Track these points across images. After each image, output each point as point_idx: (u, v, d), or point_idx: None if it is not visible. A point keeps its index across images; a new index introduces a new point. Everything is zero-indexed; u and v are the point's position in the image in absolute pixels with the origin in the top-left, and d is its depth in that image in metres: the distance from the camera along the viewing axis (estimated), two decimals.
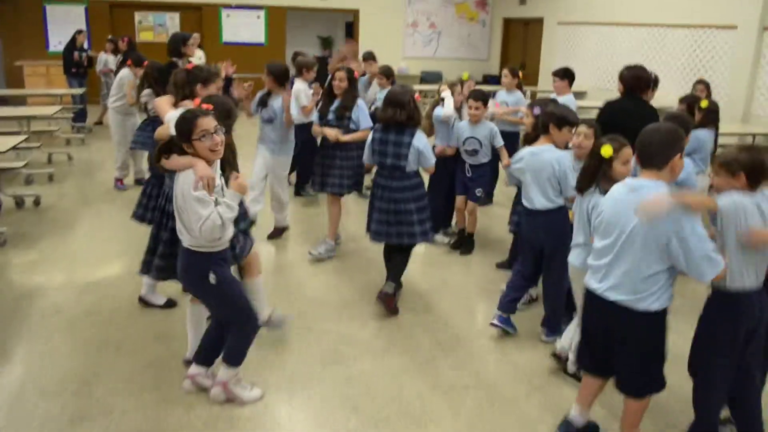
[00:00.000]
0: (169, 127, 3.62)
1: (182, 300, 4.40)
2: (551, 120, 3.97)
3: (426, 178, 4.87)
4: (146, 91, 6.27)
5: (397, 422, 3.35)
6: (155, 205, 4.11)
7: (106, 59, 10.89)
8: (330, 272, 5.33)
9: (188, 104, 3.81)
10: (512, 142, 6.33)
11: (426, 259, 5.70)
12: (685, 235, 2.63)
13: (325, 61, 11.34)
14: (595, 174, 3.37)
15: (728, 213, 2.77)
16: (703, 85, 6.89)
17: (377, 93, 7.27)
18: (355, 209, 6.85)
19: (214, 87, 4.21)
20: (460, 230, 5.97)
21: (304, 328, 4.29)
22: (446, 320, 4.55)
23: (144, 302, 4.54)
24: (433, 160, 4.57)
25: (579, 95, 13.21)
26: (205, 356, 3.48)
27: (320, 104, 5.66)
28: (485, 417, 3.43)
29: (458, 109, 5.77)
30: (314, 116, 5.69)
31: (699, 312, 2.99)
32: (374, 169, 4.82)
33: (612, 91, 5.46)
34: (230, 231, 3.21)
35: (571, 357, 3.75)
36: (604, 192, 3.16)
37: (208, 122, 3.02)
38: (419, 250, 5.47)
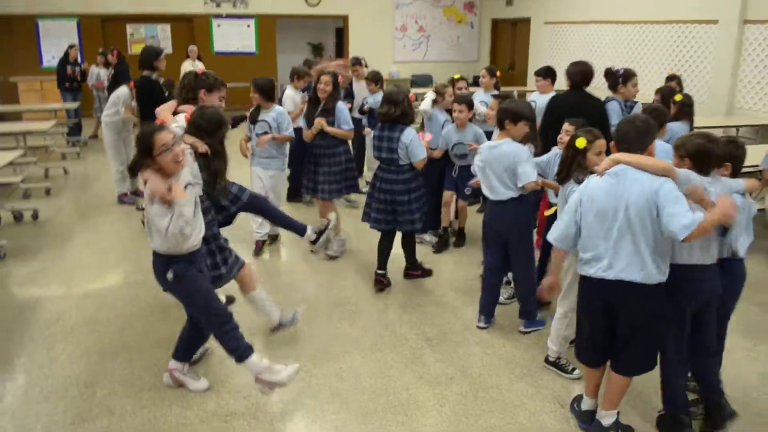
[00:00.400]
0: None
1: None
2: (507, 116, 4.14)
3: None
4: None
5: (384, 414, 3.52)
6: None
7: (98, 73, 11.06)
8: (322, 274, 5.50)
9: (188, 109, 3.94)
10: None
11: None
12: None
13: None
14: (572, 164, 3.59)
15: (679, 183, 2.98)
16: (676, 80, 7.07)
17: (366, 97, 7.43)
18: (346, 212, 7.00)
19: (217, 95, 4.29)
20: (444, 228, 6.13)
21: (295, 328, 4.45)
22: (433, 316, 4.71)
23: None
24: (421, 155, 4.86)
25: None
26: (182, 352, 3.68)
27: (306, 109, 5.78)
28: (469, 406, 3.60)
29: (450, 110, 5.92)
30: (302, 122, 5.84)
31: None
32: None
33: (598, 88, 5.66)
34: (197, 236, 3.34)
35: (552, 346, 3.92)
36: (579, 181, 3.36)
37: (165, 136, 3.15)
38: None
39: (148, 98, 6.39)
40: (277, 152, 5.66)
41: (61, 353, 4.15)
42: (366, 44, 15.43)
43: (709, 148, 3.10)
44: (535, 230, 4.68)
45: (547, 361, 3.98)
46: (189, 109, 3.95)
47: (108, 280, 5.37)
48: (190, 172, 3.37)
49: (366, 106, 7.23)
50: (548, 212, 4.45)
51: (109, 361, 4.04)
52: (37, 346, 4.25)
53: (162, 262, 3.32)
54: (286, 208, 6.99)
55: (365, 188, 7.35)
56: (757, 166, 6.35)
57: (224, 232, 4.01)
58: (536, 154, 4.50)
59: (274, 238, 6.19)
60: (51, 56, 13.01)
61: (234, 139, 4.81)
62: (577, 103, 5.22)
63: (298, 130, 5.94)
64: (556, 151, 4.30)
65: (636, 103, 6.08)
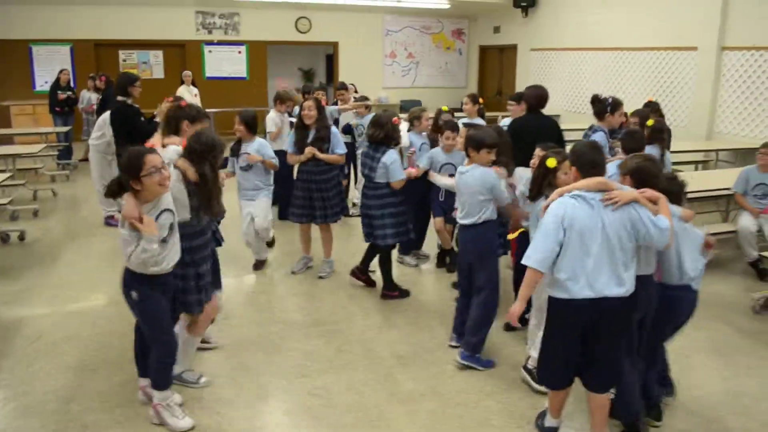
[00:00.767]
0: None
1: None
2: (469, 144, 4.28)
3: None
4: None
5: (355, 429, 3.61)
6: None
7: (89, 97, 11.24)
8: (301, 295, 5.60)
9: (175, 140, 4.03)
10: None
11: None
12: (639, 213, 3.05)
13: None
14: (542, 183, 3.75)
15: None
16: (650, 108, 7.30)
17: (353, 120, 7.65)
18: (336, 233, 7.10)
19: (199, 126, 4.29)
20: (443, 250, 6.28)
21: (272, 346, 4.54)
22: (408, 336, 4.82)
23: None
24: (398, 177, 5.14)
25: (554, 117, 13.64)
26: (143, 368, 3.75)
27: (295, 136, 5.77)
28: (437, 422, 3.69)
29: (434, 137, 6.09)
30: (286, 145, 5.95)
31: None
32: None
33: (583, 113, 5.81)
34: (169, 262, 3.41)
35: (534, 354, 3.94)
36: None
37: (156, 158, 3.25)
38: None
39: (123, 123, 6.55)
40: (263, 183, 5.80)
41: (40, 369, 4.23)
42: (356, 70, 15.69)
43: (647, 166, 3.33)
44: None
45: (525, 368, 4.08)
46: (175, 140, 4.05)
47: (91, 299, 5.46)
48: (170, 197, 3.44)
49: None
50: (512, 235, 4.58)
51: (88, 378, 4.12)
52: (18, 362, 4.33)
53: (130, 279, 3.40)
54: (279, 227, 7.16)
55: (353, 210, 7.53)
56: (729, 188, 6.54)
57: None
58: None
59: (262, 263, 6.26)
60: (44, 81, 13.18)
61: None
62: (535, 125, 5.54)
63: (280, 153, 6.08)
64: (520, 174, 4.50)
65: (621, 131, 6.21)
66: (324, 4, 15.10)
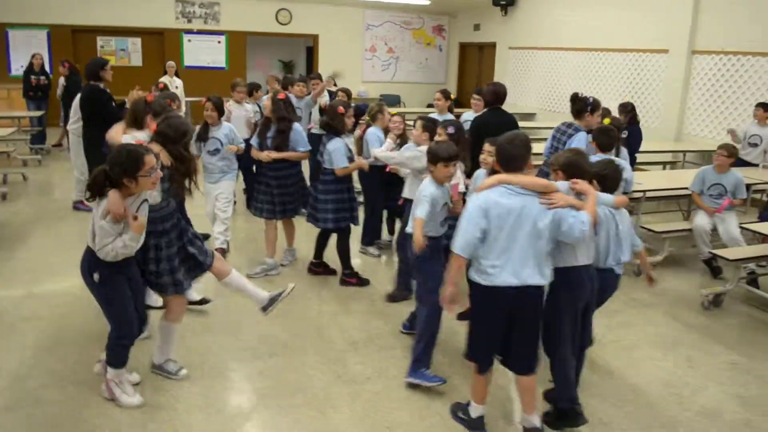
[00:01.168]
0: None
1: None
2: (428, 159, 4.03)
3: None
4: None
5: (299, 409, 3.72)
6: None
7: (64, 83, 11.21)
8: (260, 281, 5.64)
9: (137, 133, 4.12)
10: None
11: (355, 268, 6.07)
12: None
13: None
14: None
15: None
16: (627, 108, 7.60)
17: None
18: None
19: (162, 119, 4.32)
20: None
21: (227, 329, 4.64)
22: (363, 323, 4.94)
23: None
24: (339, 164, 5.33)
25: (528, 116, 13.84)
26: None
27: (258, 129, 5.81)
28: (380, 404, 3.81)
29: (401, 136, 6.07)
30: (254, 140, 6.00)
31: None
32: None
33: (559, 112, 5.90)
34: (123, 255, 3.45)
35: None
36: None
37: (152, 159, 3.35)
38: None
39: (93, 107, 6.59)
40: (228, 167, 5.94)
41: None
42: (336, 63, 15.66)
43: (576, 160, 3.48)
44: None
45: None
46: (140, 134, 4.13)
47: (53, 282, 5.52)
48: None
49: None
50: None
51: (43, 356, 4.20)
52: None
53: (92, 261, 3.46)
54: (245, 217, 7.23)
55: None
56: (686, 188, 6.71)
57: None
58: (467, 174, 4.76)
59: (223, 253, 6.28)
60: (20, 65, 13.09)
61: None
62: (495, 121, 5.73)
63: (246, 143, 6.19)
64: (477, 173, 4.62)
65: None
66: None
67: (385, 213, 6.65)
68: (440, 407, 3.79)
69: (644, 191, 6.73)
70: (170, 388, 3.85)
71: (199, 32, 15.14)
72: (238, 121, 6.98)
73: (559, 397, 3.61)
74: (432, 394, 3.92)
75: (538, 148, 6.10)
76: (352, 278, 5.65)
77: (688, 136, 10.65)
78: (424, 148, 4.67)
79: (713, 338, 5.00)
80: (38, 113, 11.02)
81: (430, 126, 5.01)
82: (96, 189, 3.32)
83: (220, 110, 5.85)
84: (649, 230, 6.63)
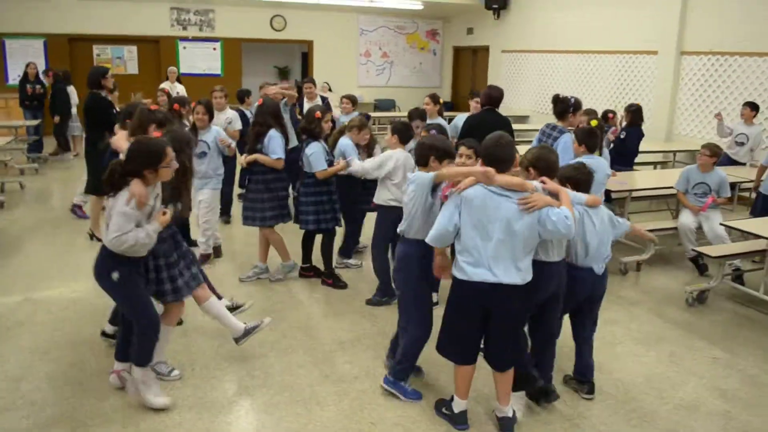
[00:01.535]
0: None
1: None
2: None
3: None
4: None
5: (285, 407, 3.83)
6: None
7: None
8: (252, 284, 5.80)
9: None
10: None
11: (339, 270, 6.15)
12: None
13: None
14: None
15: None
16: (633, 108, 7.77)
17: (341, 117, 7.72)
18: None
19: (165, 131, 4.36)
20: None
21: (218, 331, 4.73)
22: (351, 324, 5.04)
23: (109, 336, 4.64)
24: (317, 167, 5.44)
25: (522, 119, 13.95)
26: (122, 352, 3.91)
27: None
28: (366, 401, 3.91)
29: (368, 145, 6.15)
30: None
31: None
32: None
33: (552, 114, 6.01)
34: (142, 252, 3.57)
35: None
36: None
37: (171, 151, 3.50)
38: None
39: (95, 114, 6.71)
40: (213, 172, 6.02)
41: None
42: (330, 69, 15.91)
43: (544, 155, 3.61)
44: None
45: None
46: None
47: (48, 287, 5.62)
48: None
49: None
50: None
51: (39, 359, 4.31)
52: None
53: (108, 261, 3.52)
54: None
55: None
56: (672, 187, 6.82)
57: None
58: None
59: (206, 258, 6.32)
60: (17, 74, 13.16)
61: None
62: (488, 121, 5.86)
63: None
64: None
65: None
66: (299, 2, 15.27)
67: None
68: (424, 404, 3.89)
69: (630, 191, 6.85)
70: (162, 388, 3.94)
71: (195, 39, 15.27)
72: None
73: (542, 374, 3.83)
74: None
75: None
76: (329, 279, 5.80)
77: (678, 135, 10.77)
78: (392, 152, 4.87)
79: (696, 334, 5.10)
80: (35, 122, 11.14)
81: (399, 129, 5.18)
82: (114, 182, 3.41)
83: (210, 113, 6.02)
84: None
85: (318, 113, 5.50)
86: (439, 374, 4.21)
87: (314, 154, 5.43)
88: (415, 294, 3.86)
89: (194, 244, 6.15)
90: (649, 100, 11.16)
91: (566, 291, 3.77)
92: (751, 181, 7.31)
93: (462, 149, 4.47)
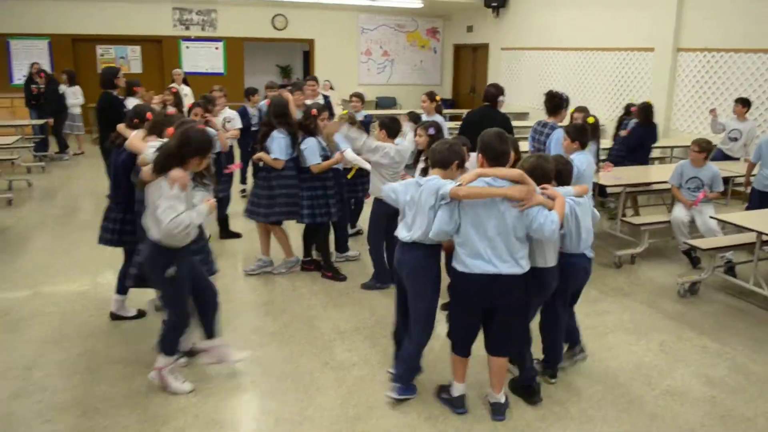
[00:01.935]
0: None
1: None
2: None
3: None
4: None
5: (286, 393, 4.00)
6: (121, 229, 4.60)
7: (65, 91, 11.52)
8: (256, 278, 5.95)
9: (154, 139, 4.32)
10: None
11: (339, 264, 6.33)
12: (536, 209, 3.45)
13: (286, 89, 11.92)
14: None
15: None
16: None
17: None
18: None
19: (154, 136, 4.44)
20: None
21: (222, 322, 4.87)
22: (350, 315, 5.20)
23: (117, 317, 4.97)
24: (310, 161, 5.62)
25: (521, 115, 14.08)
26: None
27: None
28: (364, 388, 4.07)
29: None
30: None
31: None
32: None
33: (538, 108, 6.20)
34: (191, 235, 3.77)
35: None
36: None
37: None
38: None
39: (109, 114, 6.87)
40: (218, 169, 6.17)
41: (6, 342, 4.57)
42: (332, 67, 16.06)
43: (541, 164, 3.74)
44: None
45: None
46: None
47: (56, 281, 5.79)
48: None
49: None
50: None
51: (49, 349, 4.48)
52: None
53: (163, 256, 3.70)
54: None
55: None
56: (665, 182, 6.95)
57: None
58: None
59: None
60: (21, 74, 13.41)
61: None
62: (486, 116, 6.22)
63: None
64: None
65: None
66: (300, 1, 15.43)
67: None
68: (420, 389, 4.03)
69: (624, 186, 6.99)
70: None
71: (197, 39, 15.42)
72: None
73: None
74: (415, 379, 4.16)
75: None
76: (328, 272, 5.97)
77: (675, 131, 10.90)
78: (389, 146, 5.11)
79: (687, 325, 5.24)
80: (40, 121, 11.30)
81: (387, 124, 5.41)
82: (163, 166, 3.57)
83: (208, 109, 6.28)
84: (629, 223, 6.88)
85: (314, 110, 5.70)
86: (437, 362, 4.36)
87: (308, 148, 5.61)
88: (433, 304, 3.83)
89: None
90: (646, 97, 11.24)
91: (567, 279, 3.96)
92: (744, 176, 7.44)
93: (419, 130, 4.68)
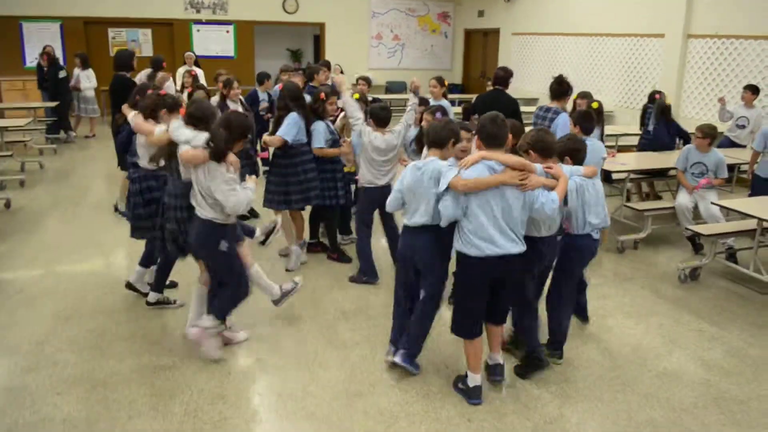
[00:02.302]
0: (169, 137, 4.09)
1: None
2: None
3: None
4: None
5: (290, 369, 4.12)
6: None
7: (78, 74, 11.65)
8: (264, 260, 5.98)
9: (158, 127, 4.46)
10: None
11: (345, 246, 6.42)
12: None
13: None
14: None
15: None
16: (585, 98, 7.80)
17: None
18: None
19: (177, 115, 4.45)
20: None
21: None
22: (355, 296, 5.32)
23: (131, 287, 5.10)
24: (315, 144, 5.63)
25: (531, 101, 14.08)
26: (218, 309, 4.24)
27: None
28: (366, 366, 4.19)
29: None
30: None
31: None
32: None
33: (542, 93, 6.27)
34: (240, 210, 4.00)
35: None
36: None
37: None
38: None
39: (122, 95, 6.98)
40: None
41: (20, 318, 4.72)
42: (342, 51, 16.08)
43: (542, 137, 3.83)
44: None
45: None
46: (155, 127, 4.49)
47: (68, 261, 5.93)
48: None
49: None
50: None
51: (61, 325, 4.62)
52: (0, 312, 4.82)
53: (215, 232, 3.95)
54: None
55: None
56: (672, 168, 6.99)
57: None
58: None
59: None
60: (34, 57, 13.47)
61: None
62: (496, 99, 6.37)
63: None
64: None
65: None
66: None
67: None
68: (426, 368, 4.14)
69: (628, 171, 7.04)
70: (177, 351, 4.25)
71: (208, 22, 15.48)
72: None
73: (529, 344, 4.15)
74: (418, 358, 4.26)
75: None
76: (333, 253, 6.09)
77: (684, 118, 10.86)
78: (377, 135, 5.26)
79: (686, 309, 5.32)
80: (52, 104, 11.42)
81: (376, 112, 5.42)
82: (222, 152, 3.81)
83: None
84: (633, 208, 6.94)
85: (322, 94, 5.73)
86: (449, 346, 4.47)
87: (315, 131, 5.64)
88: (444, 278, 4.08)
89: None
90: (656, 83, 11.27)
91: (572, 260, 4.11)
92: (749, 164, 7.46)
93: (462, 133, 4.71)
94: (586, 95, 6.85)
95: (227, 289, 4.11)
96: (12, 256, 5.98)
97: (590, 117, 5.36)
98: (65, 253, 6.11)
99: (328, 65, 8.95)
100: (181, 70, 12.17)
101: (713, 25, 10.21)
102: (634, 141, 9.43)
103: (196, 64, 12.12)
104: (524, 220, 3.64)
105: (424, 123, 5.28)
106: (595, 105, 6.33)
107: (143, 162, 4.64)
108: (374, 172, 5.29)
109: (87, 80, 11.90)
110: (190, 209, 4.08)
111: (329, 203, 5.85)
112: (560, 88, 6.19)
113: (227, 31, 15.70)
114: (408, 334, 4.05)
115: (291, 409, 3.71)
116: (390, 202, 4.06)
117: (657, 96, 8.62)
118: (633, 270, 6.18)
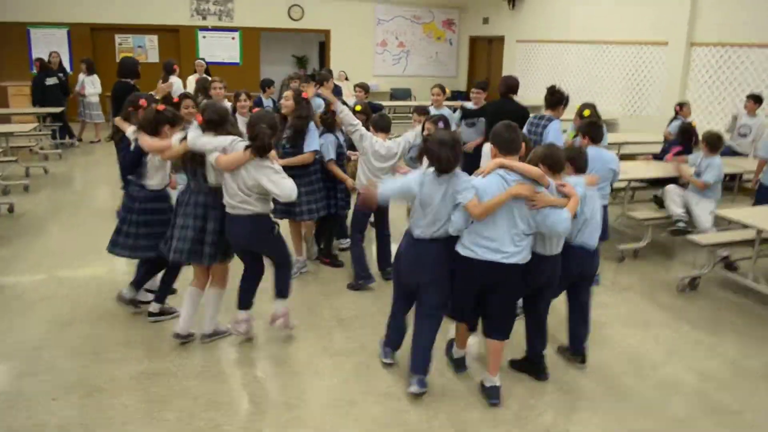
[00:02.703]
0: (186, 147, 4.16)
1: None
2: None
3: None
4: None
5: (284, 376, 4.15)
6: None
7: (83, 80, 11.72)
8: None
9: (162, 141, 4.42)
10: None
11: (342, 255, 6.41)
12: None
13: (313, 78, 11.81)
14: None
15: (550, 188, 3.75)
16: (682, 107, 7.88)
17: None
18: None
19: (179, 129, 4.51)
20: None
21: (226, 303, 4.95)
22: (352, 302, 5.33)
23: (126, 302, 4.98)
24: (327, 157, 5.64)
25: (535, 109, 14.06)
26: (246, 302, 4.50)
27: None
28: (361, 373, 4.20)
29: None
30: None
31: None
32: None
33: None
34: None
35: None
36: None
37: None
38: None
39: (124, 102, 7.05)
40: None
41: (18, 323, 4.75)
42: (347, 58, 16.15)
43: (553, 152, 3.89)
44: None
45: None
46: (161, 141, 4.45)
47: (69, 266, 5.96)
48: None
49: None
50: None
51: (59, 331, 4.65)
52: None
53: (265, 223, 4.24)
54: None
55: None
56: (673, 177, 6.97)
57: None
58: None
59: None
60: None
61: None
62: (503, 108, 6.50)
63: None
64: None
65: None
66: None
67: None
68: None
69: (629, 180, 7.04)
70: (171, 357, 4.27)
71: (214, 29, 15.56)
72: None
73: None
74: (407, 367, 4.26)
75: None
76: (326, 258, 6.16)
77: None
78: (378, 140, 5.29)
79: (684, 319, 5.31)
80: (58, 109, 11.47)
81: (375, 120, 5.55)
82: (268, 147, 4.01)
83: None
84: (632, 218, 6.93)
85: (305, 93, 5.59)
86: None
87: (324, 144, 5.63)
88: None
89: None
90: (660, 91, 11.27)
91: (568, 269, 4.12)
92: (752, 172, 7.43)
93: (414, 116, 4.92)
94: (588, 106, 6.81)
95: (283, 268, 4.44)
96: (14, 262, 6.02)
97: (597, 126, 5.39)
98: (68, 258, 6.15)
99: (330, 73, 8.96)
100: (190, 79, 12.24)
101: (717, 33, 10.21)
102: (638, 149, 9.45)
103: (207, 71, 12.14)
104: (528, 234, 3.68)
105: (425, 132, 5.31)
106: (586, 113, 6.27)
107: (153, 182, 4.61)
108: (371, 178, 5.29)
109: (91, 86, 11.98)
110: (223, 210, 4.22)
111: (333, 211, 5.89)
112: (553, 97, 6.22)
113: (233, 38, 15.78)
114: (416, 355, 3.96)
115: (284, 417, 3.72)
116: (392, 191, 3.95)
117: (678, 108, 8.62)
118: (632, 279, 6.18)
